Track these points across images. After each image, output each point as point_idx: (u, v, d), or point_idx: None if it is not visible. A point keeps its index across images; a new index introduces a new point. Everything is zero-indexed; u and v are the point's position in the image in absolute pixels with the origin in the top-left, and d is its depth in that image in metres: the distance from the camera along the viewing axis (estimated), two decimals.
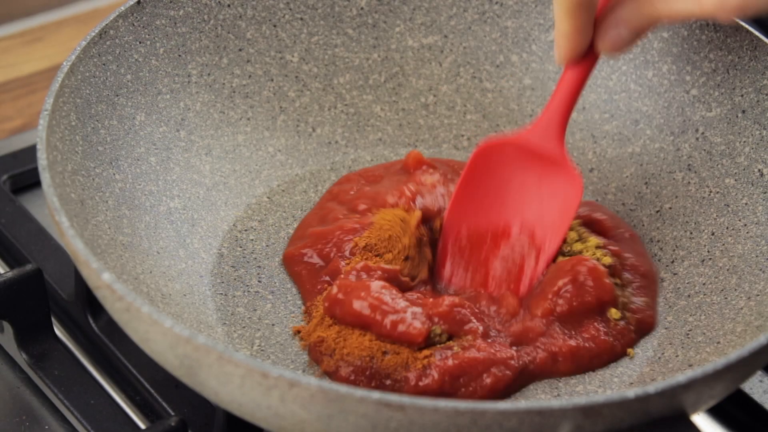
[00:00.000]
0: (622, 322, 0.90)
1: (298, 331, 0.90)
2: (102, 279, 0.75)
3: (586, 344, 0.88)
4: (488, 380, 0.84)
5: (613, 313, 0.90)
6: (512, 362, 0.85)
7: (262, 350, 0.89)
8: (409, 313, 0.85)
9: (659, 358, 0.89)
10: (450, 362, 0.84)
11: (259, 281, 0.94)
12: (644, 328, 0.91)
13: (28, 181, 1.08)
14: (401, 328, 0.84)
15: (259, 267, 0.95)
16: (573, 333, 0.88)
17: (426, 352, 0.85)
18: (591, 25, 0.86)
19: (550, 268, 0.91)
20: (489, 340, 0.86)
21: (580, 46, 0.87)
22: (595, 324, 0.89)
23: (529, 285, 0.92)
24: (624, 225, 0.98)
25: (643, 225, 0.99)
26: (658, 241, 0.98)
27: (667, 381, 0.71)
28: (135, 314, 0.74)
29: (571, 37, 0.86)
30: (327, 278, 0.92)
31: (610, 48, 0.86)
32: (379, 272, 0.89)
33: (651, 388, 0.71)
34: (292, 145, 1.04)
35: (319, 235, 0.95)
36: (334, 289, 0.87)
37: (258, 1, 1.03)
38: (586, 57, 0.88)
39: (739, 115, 0.96)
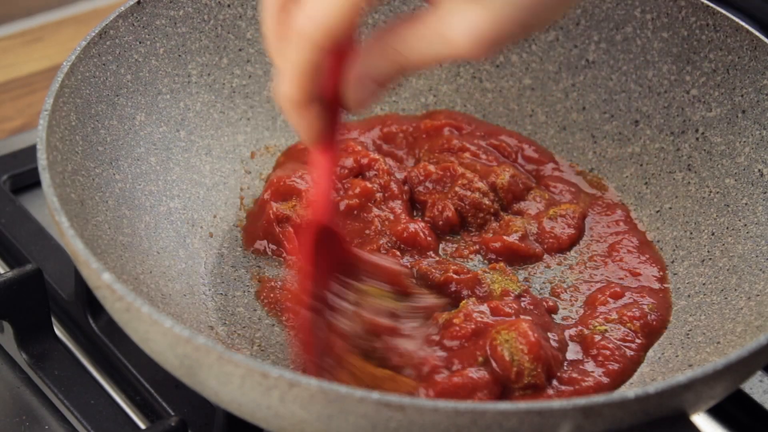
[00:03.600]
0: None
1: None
2: (102, 279, 0.75)
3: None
4: None
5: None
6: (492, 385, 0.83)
7: (262, 350, 0.89)
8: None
9: (659, 358, 0.89)
10: (430, 393, 0.82)
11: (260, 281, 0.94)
12: (652, 332, 0.91)
13: (28, 181, 1.08)
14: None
15: (259, 267, 0.95)
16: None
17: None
18: (323, 111, 0.77)
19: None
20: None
21: (322, 130, 0.78)
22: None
23: None
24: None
25: (643, 225, 0.99)
26: (658, 241, 0.98)
27: (667, 381, 0.71)
28: (135, 314, 0.74)
29: (309, 128, 0.78)
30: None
31: (356, 107, 0.76)
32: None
33: (651, 388, 0.71)
34: (292, 145, 1.04)
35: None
36: None
37: (258, 1, 1.03)
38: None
39: (739, 115, 0.96)
